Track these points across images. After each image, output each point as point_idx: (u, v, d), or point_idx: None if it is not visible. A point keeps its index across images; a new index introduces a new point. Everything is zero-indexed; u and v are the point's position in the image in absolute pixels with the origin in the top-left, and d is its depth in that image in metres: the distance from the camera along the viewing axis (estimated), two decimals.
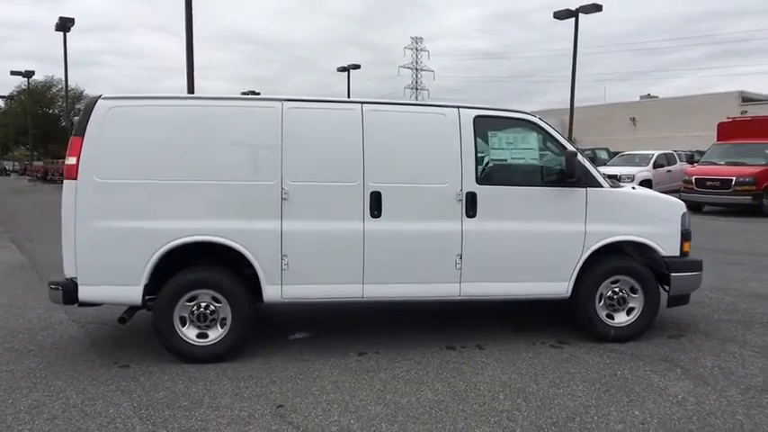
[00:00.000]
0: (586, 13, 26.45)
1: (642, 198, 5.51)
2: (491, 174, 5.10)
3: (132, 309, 4.99)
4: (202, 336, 4.81)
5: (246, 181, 4.77)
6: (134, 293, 4.70)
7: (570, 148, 5.16)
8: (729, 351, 5.06)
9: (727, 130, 18.42)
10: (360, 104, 5.01)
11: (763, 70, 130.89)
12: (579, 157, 5.07)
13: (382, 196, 4.88)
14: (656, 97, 50.86)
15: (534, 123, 5.22)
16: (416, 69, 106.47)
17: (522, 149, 5.24)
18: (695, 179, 16.81)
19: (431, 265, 5.00)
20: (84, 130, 4.64)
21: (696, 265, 5.43)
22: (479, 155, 5.07)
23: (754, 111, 34.77)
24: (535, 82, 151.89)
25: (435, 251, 5.00)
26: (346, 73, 48.09)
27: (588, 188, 5.17)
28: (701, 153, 24.60)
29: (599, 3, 26.04)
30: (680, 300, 5.50)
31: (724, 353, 5.03)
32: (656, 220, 5.34)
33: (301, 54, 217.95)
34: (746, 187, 15.64)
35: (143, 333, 5.49)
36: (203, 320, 4.78)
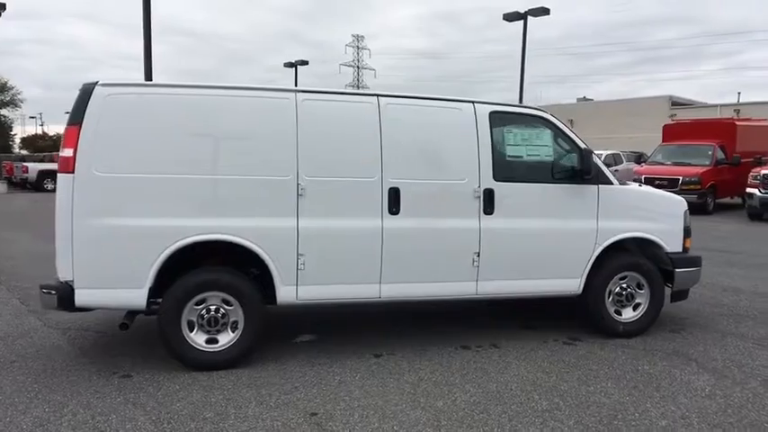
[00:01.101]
0: (535, 15, 27.06)
1: (648, 195, 5.61)
2: (508, 170, 5.03)
3: (132, 313, 4.61)
4: (212, 341, 4.49)
5: (260, 176, 4.49)
6: (138, 297, 4.33)
7: (583, 145, 5.18)
8: (732, 344, 5.22)
9: (672, 132, 19.35)
10: (376, 97, 4.82)
11: (684, 76, 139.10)
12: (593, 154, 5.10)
13: (401, 193, 4.71)
14: (592, 100, 52.98)
15: (548, 120, 5.20)
16: (358, 67, 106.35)
17: (536, 146, 5.21)
18: (644, 178, 17.49)
19: (449, 263, 4.89)
20: (82, 119, 4.23)
21: (696, 261, 5.58)
22: (496, 151, 5.00)
23: (682, 114, 36.82)
24: (474, 82, 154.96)
25: (453, 249, 4.89)
26: (289, 69, 46.96)
27: (600, 185, 5.21)
28: (636, 153, 25.84)
29: (546, 6, 26.71)
30: (681, 295, 5.64)
31: (728, 345, 5.18)
32: (661, 217, 5.44)
33: (238, 48, 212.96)
34: (692, 186, 16.42)
35: (133, 339, 5.10)
36: (214, 325, 4.47)
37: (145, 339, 5.09)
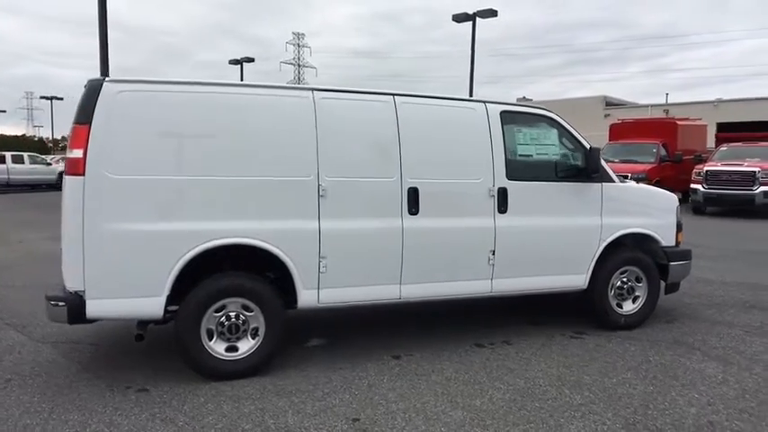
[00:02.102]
0: (483, 17, 27.66)
1: (646, 192, 5.84)
2: (519, 169, 5.10)
3: (144, 323, 4.36)
4: (232, 349, 4.32)
5: (281, 177, 4.36)
6: (155, 306, 4.10)
7: (588, 144, 5.32)
8: (725, 332, 5.51)
9: (619, 131, 20.25)
10: (392, 96, 4.78)
11: (613, 77, 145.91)
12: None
13: (419, 192, 4.69)
14: (531, 99, 54.77)
15: (554, 120, 5.32)
16: (299, 65, 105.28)
17: (544, 145, 5.32)
18: None
19: (465, 262, 4.91)
20: (91, 117, 3.97)
21: (688, 254, 5.86)
22: (508, 150, 5.06)
23: (615, 113, 38.62)
24: (415, 82, 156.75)
25: (470, 248, 4.92)
26: (233, 66, 46.08)
27: (603, 183, 5.37)
28: None
29: (494, 8, 27.35)
30: (674, 287, 5.90)
31: (721, 333, 5.46)
32: (657, 213, 5.67)
33: (170, 43, 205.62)
34: (640, 183, 17.23)
35: (134, 350, 4.85)
36: (235, 332, 4.30)
37: (147, 350, 4.85)
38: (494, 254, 4.96)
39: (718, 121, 21.40)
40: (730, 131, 19.64)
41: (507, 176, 4.99)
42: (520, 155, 5.23)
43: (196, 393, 4.07)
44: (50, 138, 67.94)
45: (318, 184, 4.41)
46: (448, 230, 4.81)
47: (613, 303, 5.52)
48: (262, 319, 4.35)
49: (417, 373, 4.49)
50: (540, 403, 3.94)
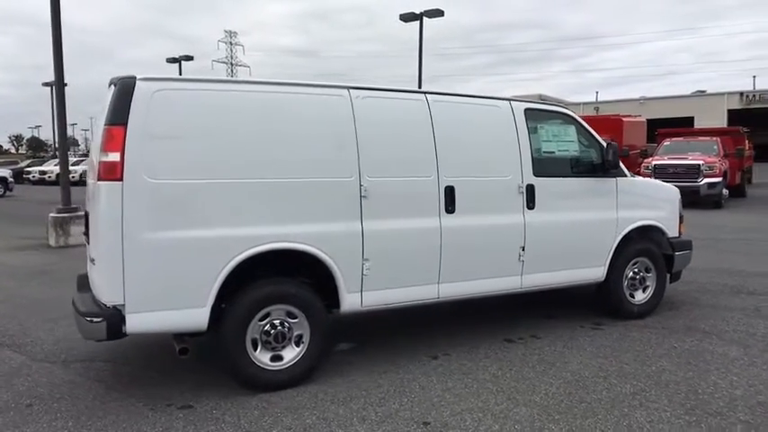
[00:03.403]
0: (430, 17, 27.98)
1: (652, 185, 6.06)
2: (544, 166, 5.17)
3: (181, 335, 4.09)
4: (276, 358, 4.14)
5: (324, 178, 4.22)
6: (199, 317, 3.87)
7: (602, 140, 5.48)
8: (728, 316, 5.80)
9: None
10: (424, 94, 4.73)
11: (538, 77, 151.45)
12: None
13: (455, 191, 4.67)
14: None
15: (572, 117, 5.44)
16: (231, 64, 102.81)
17: (564, 141, 5.42)
18: None
19: (498, 259, 4.94)
20: (127, 117, 3.69)
21: (689, 245, 6.13)
22: (533, 147, 5.12)
23: None
24: (348, 80, 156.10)
25: (503, 245, 4.94)
26: (171, 65, 44.45)
27: (617, 177, 5.54)
28: None
29: (440, 8, 27.72)
30: (677, 276, 6.17)
31: (726, 317, 5.75)
32: (662, 205, 5.91)
33: (93, 41, 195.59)
34: None
35: (153, 364, 4.60)
36: (280, 340, 4.12)
37: (166, 364, 4.59)
38: (524, 250, 5.01)
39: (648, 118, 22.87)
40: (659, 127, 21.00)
41: (534, 173, 5.05)
42: (544, 151, 5.30)
43: (245, 407, 3.88)
44: None
45: (360, 185, 4.30)
46: (482, 228, 4.82)
47: (627, 294, 5.70)
48: (306, 325, 4.20)
49: (462, 371, 4.46)
50: (596, 395, 4.01)
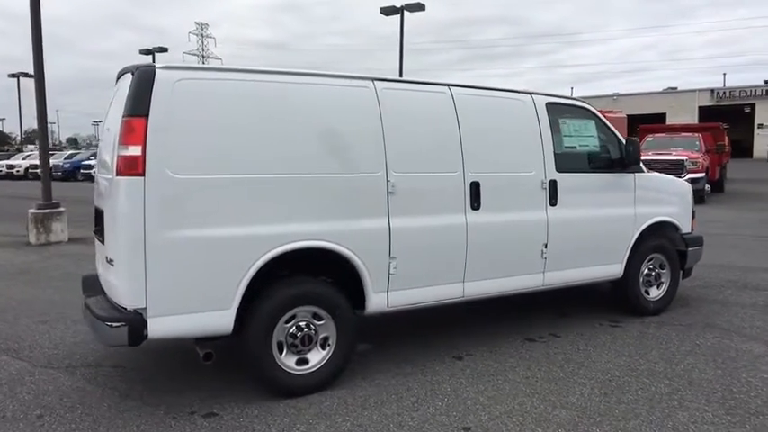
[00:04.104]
0: (411, 11, 27.80)
1: (667, 181, 6.02)
2: (565, 161, 5.07)
3: (203, 340, 3.87)
4: (302, 362, 3.96)
5: (350, 173, 4.04)
6: (224, 320, 3.67)
7: (620, 135, 5.41)
8: (741, 312, 5.81)
9: None
10: (447, 87, 4.58)
11: (509, 73, 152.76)
12: None
13: (480, 186, 4.54)
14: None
15: (592, 111, 5.35)
16: (203, 57, 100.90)
17: (585, 137, 5.33)
18: None
19: (522, 256, 4.83)
20: (148, 108, 3.45)
21: (701, 241, 6.12)
22: (555, 142, 5.02)
23: None
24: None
25: (526, 242, 4.84)
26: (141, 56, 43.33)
27: (636, 173, 5.48)
28: None
29: (422, 2, 27.56)
30: (689, 272, 6.16)
31: (739, 313, 5.76)
32: (677, 201, 5.88)
33: (56, 32, 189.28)
34: None
35: (162, 369, 4.39)
36: (307, 343, 3.94)
37: (177, 368, 4.38)
38: (546, 247, 4.91)
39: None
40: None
41: (556, 168, 4.95)
42: (565, 146, 5.21)
43: (273, 413, 3.69)
44: None
45: (387, 180, 4.14)
46: (507, 224, 4.70)
47: (642, 290, 5.66)
48: (333, 327, 4.02)
49: (490, 373, 4.35)
50: (632, 395, 3.93)
